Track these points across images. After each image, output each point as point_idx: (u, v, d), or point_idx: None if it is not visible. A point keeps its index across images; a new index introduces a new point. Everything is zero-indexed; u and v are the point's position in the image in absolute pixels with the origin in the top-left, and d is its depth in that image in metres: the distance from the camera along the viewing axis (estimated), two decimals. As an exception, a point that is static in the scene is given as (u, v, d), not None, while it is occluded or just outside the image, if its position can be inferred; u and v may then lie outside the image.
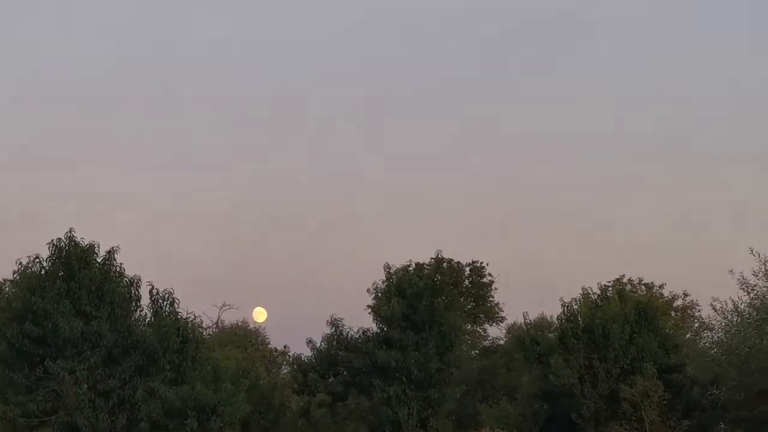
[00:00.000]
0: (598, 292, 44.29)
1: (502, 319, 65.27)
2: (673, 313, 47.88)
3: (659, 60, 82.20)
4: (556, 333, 43.89)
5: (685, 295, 54.05)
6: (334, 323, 45.01)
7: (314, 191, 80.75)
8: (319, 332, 45.59)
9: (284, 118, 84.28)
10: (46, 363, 37.00)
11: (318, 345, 45.21)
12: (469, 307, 64.05)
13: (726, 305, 40.07)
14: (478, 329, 65.78)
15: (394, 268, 45.13)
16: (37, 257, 38.43)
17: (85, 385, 37.16)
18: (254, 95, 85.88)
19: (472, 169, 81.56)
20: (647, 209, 77.89)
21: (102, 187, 74.90)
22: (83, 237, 38.79)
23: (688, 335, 47.87)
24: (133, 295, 39.15)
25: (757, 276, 38.67)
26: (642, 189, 78.24)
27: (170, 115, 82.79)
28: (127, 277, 39.12)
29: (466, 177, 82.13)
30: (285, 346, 56.49)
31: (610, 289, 44.61)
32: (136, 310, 39.28)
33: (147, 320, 39.35)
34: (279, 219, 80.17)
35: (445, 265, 60.04)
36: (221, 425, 37.76)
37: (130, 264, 39.43)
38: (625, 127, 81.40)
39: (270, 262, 78.31)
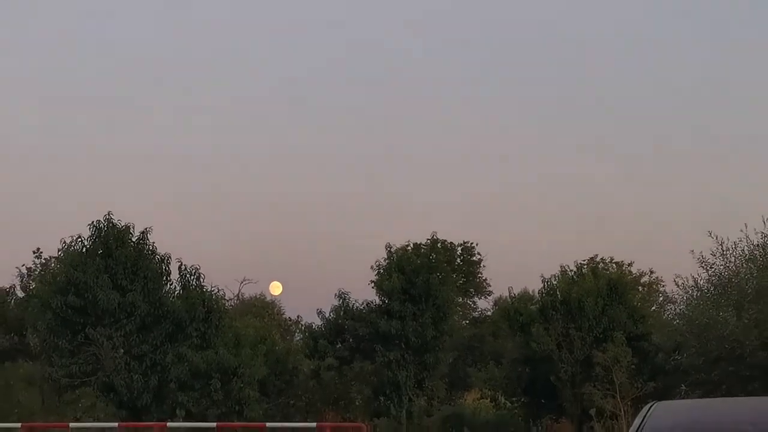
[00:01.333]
0: (575, 269, 44.20)
1: (490, 293, 65.69)
2: (640, 288, 47.89)
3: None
4: (537, 305, 43.86)
5: (651, 272, 54.17)
6: (341, 296, 45.24)
7: (322, 176, 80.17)
8: (328, 304, 46.55)
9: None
10: (86, 330, 37.15)
11: (327, 315, 45.45)
12: (461, 282, 64.28)
13: (687, 281, 40.04)
14: (469, 302, 66.07)
15: (395, 248, 45.38)
16: (79, 237, 38.59)
17: (122, 350, 37.31)
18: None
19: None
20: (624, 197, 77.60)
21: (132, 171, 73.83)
22: (120, 219, 38.91)
23: (653, 308, 47.87)
24: (164, 270, 39.26)
25: (714, 255, 38.63)
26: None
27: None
28: (159, 255, 39.24)
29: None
30: (298, 316, 56.62)
31: (585, 266, 44.44)
32: (166, 284, 39.40)
33: (176, 293, 39.49)
34: (293, 202, 79.94)
35: (439, 245, 60.20)
36: (242, 385, 37.91)
37: (162, 242, 39.57)
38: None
39: (286, 242, 78.40)
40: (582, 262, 44.58)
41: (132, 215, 39.97)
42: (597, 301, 41.55)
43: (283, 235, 78.43)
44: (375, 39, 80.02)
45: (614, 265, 47.46)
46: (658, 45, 77.23)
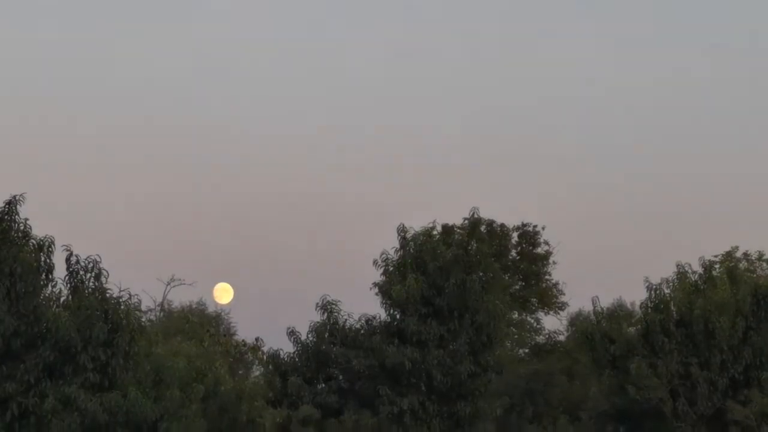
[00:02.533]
0: (700, 270, 44.14)
1: (563, 305, 65.54)
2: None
3: None
4: (639, 327, 44.27)
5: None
6: (327, 307, 45.26)
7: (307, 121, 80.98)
8: (305, 320, 45.91)
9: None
10: None
11: (303, 337, 45.49)
12: (517, 287, 64.21)
13: None
14: (529, 319, 65.99)
15: (412, 232, 45.32)
16: None
17: (-26, 390, 37.00)
18: None
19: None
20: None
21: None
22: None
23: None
24: (42, 263, 38.85)
25: None
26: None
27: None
28: (35, 239, 38.80)
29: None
30: (257, 339, 56.33)
31: (718, 266, 44.53)
32: (46, 285, 39.02)
33: (62, 299, 39.14)
34: (254, 162, 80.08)
35: (483, 228, 59.90)
36: (165, 449, 37.65)
37: (39, 220, 39.12)
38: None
39: (239, 222, 78.32)
40: (712, 260, 44.47)
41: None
42: (736, 322, 41.77)
43: (235, 212, 78.53)
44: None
45: (765, 263, 47.28)
46: None
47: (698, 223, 74.20)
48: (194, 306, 63.07)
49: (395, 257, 44.88)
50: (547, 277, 66.20)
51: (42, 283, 38.93)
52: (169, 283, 61.98)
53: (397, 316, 44.29)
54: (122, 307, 39.20)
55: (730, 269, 44.51)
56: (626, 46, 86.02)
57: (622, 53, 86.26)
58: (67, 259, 39.24)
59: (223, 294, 62.47)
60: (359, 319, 45.35)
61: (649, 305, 43.84)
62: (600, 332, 44.80)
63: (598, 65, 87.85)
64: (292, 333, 45.74)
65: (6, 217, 38.50)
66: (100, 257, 39.39)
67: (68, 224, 64.57)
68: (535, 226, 65.89)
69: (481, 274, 45.22)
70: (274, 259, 76.15)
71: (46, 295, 39.02)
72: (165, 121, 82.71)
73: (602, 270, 70.05)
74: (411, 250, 44.69)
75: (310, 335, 45.43)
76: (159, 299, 62.14)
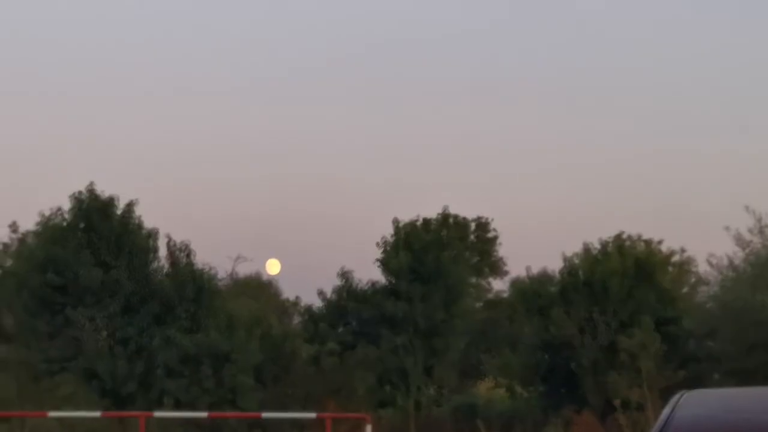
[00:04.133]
0: (599, 247, 44.11)
1: (506, 273, 65.50)
2: (671, 268, 47.69)
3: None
4: (558, 286, 43.92)
5: (683, 250, 53.92)
6: (344, 275, 45.27)
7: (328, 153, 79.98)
8: (329, 284, 46.03)
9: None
10: (66, 311, 37.19)
11: (328, 296, 45.57)
12: (475, 261, 64.23)
13: (722, 261, 39.91)
14: (483, 282, 65.98)
15: (402, 223, 45.33)
16: (59, 209, 38.61)
17: (105, 333, 37.38)
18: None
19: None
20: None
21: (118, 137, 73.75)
22: (103, 189, 38.90)
23: (685, 290, 47.64)
24: (150, 246, 39.33)
25: (752, 233, 38.50)
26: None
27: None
28: (146, 229, 39.31)
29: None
30: (297, 297, 56.40)
31: (611, 244, 44.32)
32: (153, 261, 39.49)
33: (164, 271, 39.56)
34: (293, 178, 79.66)
35: (451, 220, 59.97)
36: (235, 372, 38.00)
37: (149, 216, 39.60)
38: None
39: (285, 216, 78.26)
40: (607, 240, 44.47)
41: (117, 186, 40.04)
42: (623, 283, 41.59)
43: (281, 209, 78.20)
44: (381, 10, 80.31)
45: (642, 242, 47.31)
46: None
47: (596, 213, 73.64)
48: (253, 275, 63.11)
49: (391, 240, 45.00)
50: (495, 253, 66.19)
51: (150, 259, 39.40)
52: (236, 259, 62.22)
53: (393, 281, 44.30)
54: (205, 275, 39.60)
55: (619, 246, 44.24)
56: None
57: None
58: (168, 243, 39.72)
59: (272, 266, 62.52)
60: (367, 283, 45.34)
61: (564, 272, 43.68)
62: (531, 290, 44.85)
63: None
64: (320, 293, 45.77)
65: (126, 215, 38.98)
66: (190, 241, 39.81)
67: (171, 217, 64.18)
68: (486, 218, 65.87)
69: (450, 251, 45.31)
70: (309, 242, 75.87)
71: (154, 267, 39.48)
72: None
73: (532, 247, 69.93)
74: (402, 235, 44.82)
75: (333, 294, 45.39)
76: (229, 270, 62.36)
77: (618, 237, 45.52)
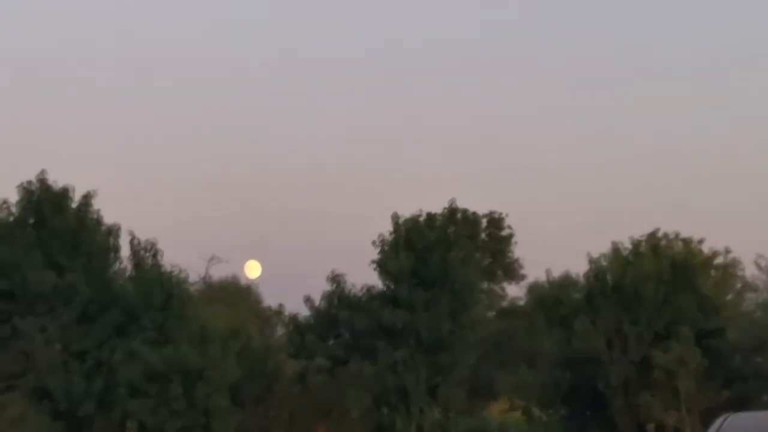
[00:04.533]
0: (630, 246, 44.23)
1: (523, 276, 65.49)
2: (713, 272, 47.75)
3: None
4: (582, 292, 44.05)
5: (727, 252, 53.90)
6: (335, 279, 45.36)
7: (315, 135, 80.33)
8: (318, 289, 46.03)
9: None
10: (14, 320, 37.14)
11: (317, 303, 45.60)
12: (486, 263, 64.18)
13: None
14: (496, 288, 65.97)
15: (403, 219, 45.41)
16: (5, 202, 38.51)
17: (58, 345, 37.33)
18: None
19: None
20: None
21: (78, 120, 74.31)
22: (56, 179, 38.81)
23: (729, 296, 47.77)
24: (111, 245, 39.29)
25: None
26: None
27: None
28: (106, 225, 39.22)
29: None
30: (280, 305, 56.32)
31: (644, 243, 44.39)
32: (114, 262, 39.47)
33: (127, 273, 39.53)
34: (273, 163, 79.97)
35: (459, 215, 60.06)
36: (208, 391, 37.98)
37: (109, 210, 39.53)
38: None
39: (265, 211, 78.38)
40: (640, 238, 44.52)
41: (72, 176, 40.16)
42: (658, 288, 41.65)
43: (262, 203, 78.54)
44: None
45: (680, 241, 47.31)
46: None
47: (626, 208, 74.00)
48: (230, 279, 63.00)
49: (389, 238, 45.04)
50: (510, 254, 66.12)
51: (111, 260, 39.35)
52: (209, 260, 62.16)
53: (391, 286, 44.42)
54: (174, 279, 39.55)
55: (653, 246, 44.27)
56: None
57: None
58: (131, 242, 39.63)
59: (252, 270, 62.46)
60: (361, 289, 45.37)
61: (590, 275, 43.81)
62: (552, 297, 44.82)
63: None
64: (308, 300, 45.66)
65: (83, 208, 38.85)
66: (156, 240, 39.78)
67: (135, 212, 64.46)
68: (500, 213, 65.80)
69: (458, 251, 45.38)
70: (294, 241, 76.05)
71: (115, 270, 39.44)
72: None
73: (553, 247, 70.13)
74: (402, 233, 44.85)
75: (322, 301, 45.38)
76: (202, 273, 62.32)
77: (652, 235, 45.49)
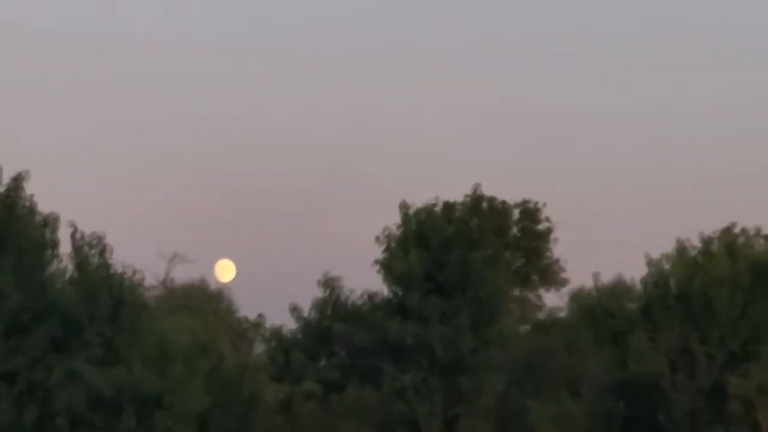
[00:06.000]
0: (699, 245, 44.38)
1: (564, 282, 65.51)
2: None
3: None
4: (639, 302, 44.32)
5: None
6: (329, 284, 45.72)
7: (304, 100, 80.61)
8: (307, 296, 46.37)
9: None
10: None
11: (305, 314, 45.97)
12: (518, 264, 64.23)
13: None
14: (530, 296, 66.04)
15: (414, 208, 45.62)
16: None
17: (-19, 364, 37.32)
18: None
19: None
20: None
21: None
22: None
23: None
24: (48, 239, 39.16)
25: None
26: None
27: None
28: (41, 215, 39.11)
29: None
30: (259, 315, 56.51)
31: (716, 241, 44.45)
32: (52, 261, 39.32)
33: (67, 275, 39.43)
34: (253, 138, 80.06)
35: (485, 205, 60.00)
36: (169, 423, 37.97)
37: (45, 197, 39.43)
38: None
39: (241, 198, 78.38)
40: (711, 236, 44.52)
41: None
42: (734, 297, 41.73)
43: (237, 188, 78.47)
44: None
45: (762, 239, 47.23)
46: None
47: (697, 199, 74.17)
48: (196, 283, 63.10)
49: (397, 233, 45.11)
50: (548, 253, 66.05)
51: (48, 258, 39.20)
52: (171, 260, 62.18)
53: (399, 293, 44.57)
54: (126, 283, 39.46)
55: (729, 244, 44.25)
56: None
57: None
58: (72, 235, 39.48)
59: (225, 271, 62.53)
60: (361, 296, 45.56)
61: (649, 280, 43.99)
62: (601, 308, 44.96)
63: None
64: (294, 309, 45.92)
65: (12, 193, 38.68)
66: (104, 233, 39.65)
67: (71, 200, 64.48)
68: (536, 203, 65.79)
69: (482, 250, 45.38)
70: (276, 236, 76.09)
71: (52, 270, 39.25)
72: (165, 96, 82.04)
73: (603, 246, 70.07)
74: (413, 226, 44.94)
75: (312, 311, 45.64)
76: (162, 275, 62.34)
77: (727, 231, 45.50)
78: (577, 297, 55.37)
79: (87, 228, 39.87)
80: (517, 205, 65.19)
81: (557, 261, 65.78)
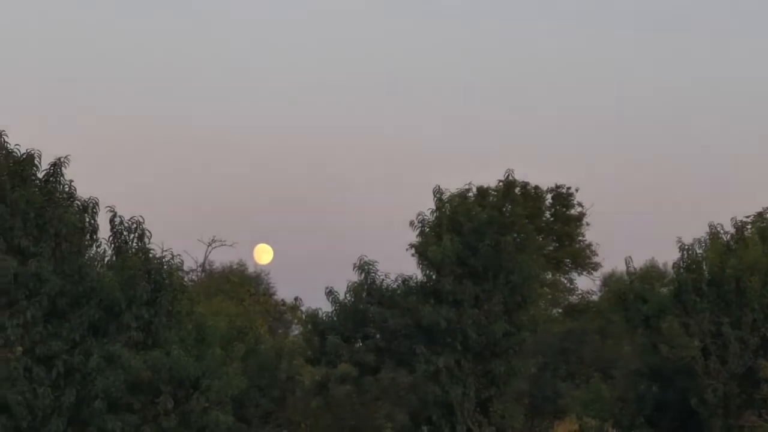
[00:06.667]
0: (732, 230, 44.16)
1: (596, 266, 65.65)
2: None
3: None
4: (672, 287, 44.10)
5: None
6: (364, 268, 45.41)
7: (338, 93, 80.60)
8: (342, 280, 46.01)
9: None
10: (-34, 317, 37.12)
11: (341, 297, 45.57)
12: (551, 248, 64.27)
13: None
14: (563, 279, 66.11)
15: (448, 194, 45.43)
16: (-48, 170, 38.38)
17: (19, 348, 37.19)
18: None
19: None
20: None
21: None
22: (18, 144, 38.61)
23: None
24: (87, 224, 39.02)
25: None
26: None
27: None
28: (80, 200, 39.00)
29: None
30: (296, 298, 56.55)
31: (750, 226, 44.35)
32: (91, 246, 39.20)
33: (106, 260, 39.32)
34: (291, 129, 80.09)
35: (518, 190, 60.03)
36: (207, 404, 37.80)
37: (84, 182, 39.30)
38: None
39: (279, 185, 78.47)
40: (744, 220, 44.37)
41: (39, 140, 39.78)
42: (767, 282, 41.58)
43: (275, 176, 78.67)
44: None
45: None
46: None
47: (730, 184, 74.02)
48: (235, 267, 63.31)
49: (431, 219, 45.00)
50: (580, 238, 66.33)
51: (86, 243, 39.08)
52: (210, 244, 62.31)
53: (433, 277, 44.40)
54: (165, 267, 39.26)
55: (762, 229, 44.37)
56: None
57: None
58: (111, 220, 39.35)
59: (262, 254, 62.73)
60: (396, 279, 45.42)
61: (682, 265, 43.76)
62: (633, 292, 44.74)
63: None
64: (330, 293, 45.67)
65: (51, 178, 38.63)
66: (143, 218, 39.53)
67: (112, 185, 64.73)
68: (568, 188, 65.92)
69: (515, 235, 45.26)
70: (313, 221, 76.23)
71: (91, 255, 39.13)
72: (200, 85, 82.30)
73: (635, 230, 70.01)
74: (447, 212, 44.86)
75: (347, 295, 45.41)
76: (200, 260, 62.48)
77: (761, 216, 45.36)
78: (609, 281, 55.61)
79: (126, 213, 39.82)
80: (549, 190, 65.49)
81: (589, 245, 66.07)
